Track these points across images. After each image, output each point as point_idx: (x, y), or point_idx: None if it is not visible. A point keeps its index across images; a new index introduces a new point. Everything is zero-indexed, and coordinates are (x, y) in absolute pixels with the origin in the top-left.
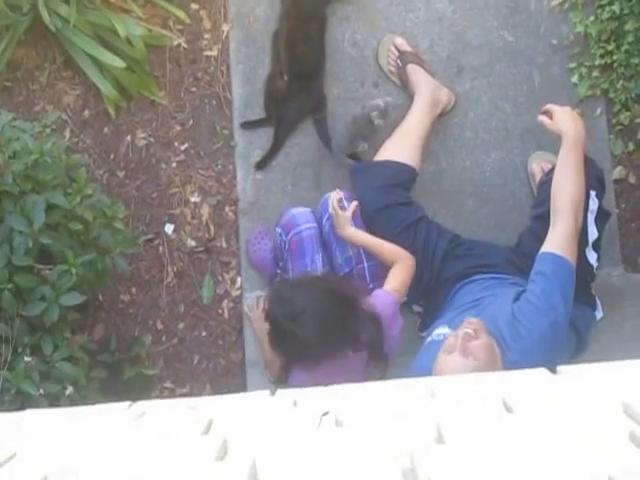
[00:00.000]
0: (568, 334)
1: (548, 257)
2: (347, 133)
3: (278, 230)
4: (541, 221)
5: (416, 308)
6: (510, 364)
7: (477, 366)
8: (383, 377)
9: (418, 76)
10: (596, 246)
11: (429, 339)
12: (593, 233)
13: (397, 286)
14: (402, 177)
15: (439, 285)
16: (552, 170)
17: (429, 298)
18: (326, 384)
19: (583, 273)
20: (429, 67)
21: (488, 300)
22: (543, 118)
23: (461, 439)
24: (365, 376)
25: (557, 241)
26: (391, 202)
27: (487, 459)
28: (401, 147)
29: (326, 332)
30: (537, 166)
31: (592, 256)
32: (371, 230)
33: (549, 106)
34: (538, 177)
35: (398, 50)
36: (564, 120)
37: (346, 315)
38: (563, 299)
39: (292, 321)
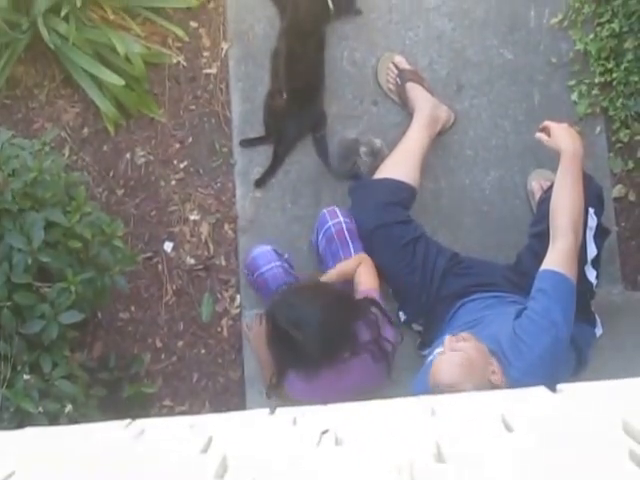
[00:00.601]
0: (569, 352)
1: (548, 274)
2: (337, 154)
3: (245, 271)
4: (539, 239)
5: (416, 327)
6: (512, 381)
7: (467, 358)
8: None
9: (417, 94)
10: (595, 263)
11: (430, 357)
12: (592, 250)
13: (371, 283)
14: (401, 195)
15: (438, 303)
16: (551, 188)
17: (429, 316)
18: (323, 394)
19: (582, 290)
20: (428, 85)
21: (489, 319)
22: (541, 135)
23: (461, 457)
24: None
25: (557, 258)
26: (389, 220)
27: (487, 478)
28: (400, 165)
29: (328, 337)
30: (537, 184)
31: (591, 273)
32: (369, 249)
33: (547, 123)
34: (538, 195)
35: (397, 68)
36: (562, 137)
37: (347, 319)
38: (564, 316)
39: (295, 327)
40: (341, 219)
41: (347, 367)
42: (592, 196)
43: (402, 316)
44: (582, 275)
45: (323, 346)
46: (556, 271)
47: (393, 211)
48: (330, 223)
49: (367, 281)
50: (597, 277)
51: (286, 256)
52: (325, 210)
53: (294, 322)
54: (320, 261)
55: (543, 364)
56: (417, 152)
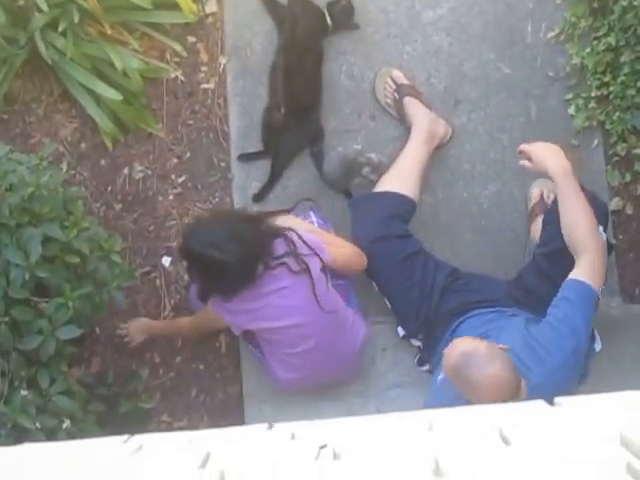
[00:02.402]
0: (584, 362)
1: (574, 284)
2: (337, 172)
3: None
4: (548, 259)
5: (415, 342)
6: (534, 388)
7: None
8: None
9: (415, 109)
10: None
11: (441, 376)
12: None
13: (336, 249)
14: (401, 208)
15: (438, 319)
16: (553, 209)
17: (428, 332)
18: (246, 313)
19: None
20: (426, 99)
21: (494, 332)
22: (524, 163)
23: (459, 472)
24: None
25: (583, 271)
26: (388, 234)
27: None
28: (400, 179)
29: (244, 251)
30: (538, 190)
31: None
32: (368, 262)
33: (523, 147)
34: (534, 201)
35: (395, 83)
36: (544, 158)
37: (260, 235)
38: (585, 325)
39: (212, 247)
40: (313, 219)
41: (262, 282)
42: (600, 214)
43: (401, 331)
44: None
45: (241, 261)
46: (582, 281)
47: (393, 224)
48: None
49: (339, 249)
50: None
51: None
52: (301, 214)
53: (210, 244)
54: None
55: (562, 371)
56: (416, 167)
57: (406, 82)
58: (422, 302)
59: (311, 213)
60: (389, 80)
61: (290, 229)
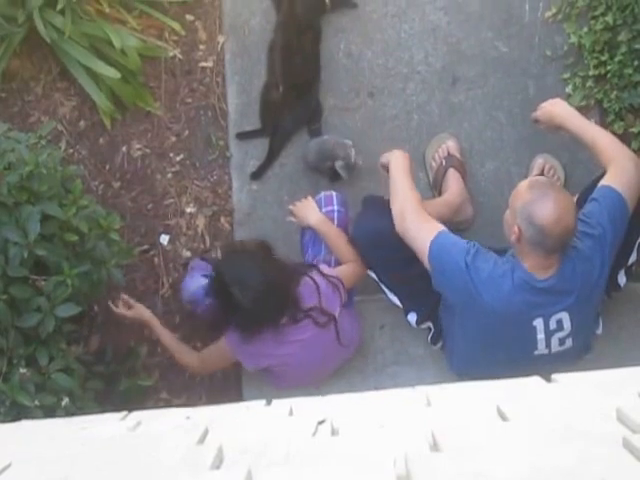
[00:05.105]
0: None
1: (600, 188)
2: (312, 156)
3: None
4: None
5: (425, 325)
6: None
7: None
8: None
9: (455, 182)
10: (629, 270)
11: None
12: (633, 258)
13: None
14: None
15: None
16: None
17: (437, 314)
18: (262, 358)
19: (608, 291)
20: (466, 178)
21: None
22: (536, 118)
23: (456, 446)
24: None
25: (609, 177)
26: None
27: (482, 466)
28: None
29: (265, 301)
30: (542, 162)
31: (622, 279)
32: (380, 254)
33: (534, 115)
34: (535, 173)
35: (448, 151)
36: (548, 112)
37: (288, 285)
38: (609, 220)
39: (236, 285)
40: (335, 207)
41: (285, 331)
42: None
43: (412, 317)
44: (615, 280)
45: (257, 309)
46: (607, 185)
47: None
48: (323, 210)
49: (342, 273)
50: (625, 282)
51: None
52: (323, 194)
53: (237, 280)
54: (301, 249)
55: (589, 256)
56: (433, 216)
57: (457, 155)
58: (429, 289)
59: (334, 196)
60: (444, 147)
61: (313, 267)
